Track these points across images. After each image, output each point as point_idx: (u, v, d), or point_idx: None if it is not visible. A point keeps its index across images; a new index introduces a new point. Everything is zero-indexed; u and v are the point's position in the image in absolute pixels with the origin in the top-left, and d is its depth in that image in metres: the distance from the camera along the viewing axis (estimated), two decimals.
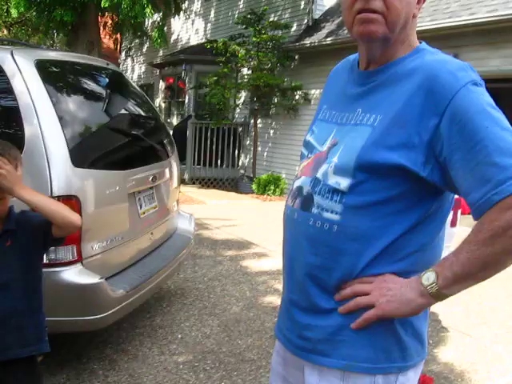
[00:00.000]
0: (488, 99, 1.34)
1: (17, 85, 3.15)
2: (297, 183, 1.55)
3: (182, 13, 14.85)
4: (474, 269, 1.31)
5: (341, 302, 1.44)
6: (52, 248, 3.00)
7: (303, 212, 1.49)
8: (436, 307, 4.83)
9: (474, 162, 1.28)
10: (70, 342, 3.91)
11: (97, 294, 3.19)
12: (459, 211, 3.78)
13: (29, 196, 2.06)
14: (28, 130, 3.05)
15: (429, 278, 1.34)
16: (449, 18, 8.71)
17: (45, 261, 3.00)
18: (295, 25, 12.62)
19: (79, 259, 3.16)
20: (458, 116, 1.30)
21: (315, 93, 11.36)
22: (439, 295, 1.35)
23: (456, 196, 1.45)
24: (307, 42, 11.40)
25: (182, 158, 9.40)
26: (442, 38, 8.72)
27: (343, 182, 1.40)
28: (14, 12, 12.48)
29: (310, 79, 11.47)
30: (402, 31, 1.43)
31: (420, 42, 1.51)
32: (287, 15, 12.96)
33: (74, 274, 3.12)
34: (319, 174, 1.46)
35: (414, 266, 1.42)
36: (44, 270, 2.82)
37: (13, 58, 3.25)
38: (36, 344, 2.16)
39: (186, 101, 14.82)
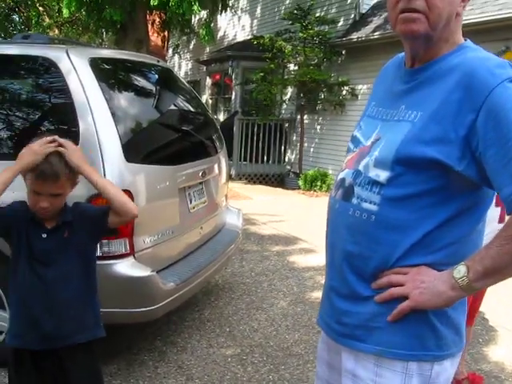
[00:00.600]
0: None
1: (72, 82, 3.24)
2: (340, 175, 1.62)
3: (228, 9, 14.90)
4: (503, 263, 1.33)
5: (377, 290, 1.49)
6: (105, 241, 3.09)
7: (344, 202, 1.55)
8: (484, 305, 4.75)
9: (507, 158, 1.30)
10: (121, 334, 4.00)
11: (148, 287, 3.25)
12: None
13: (96, 176, 2.15)
14: (83, 126, 3.13)
15: (460, 271, 1.37)
16: (499, 10, 8.51)
17: (98, 253, 3.10)
18: (342, 20, 12.52)
19: (131, 252, 3.22)
20: (494, 112, 1.32)
21: (362, 88, 11.25)
22: (470, 288, 1.38)
23: None
24: (354, 36, 11.30)
25: (228, 154, 9.46)
26: (492, 30, 8.54)
27: (382, 175, 1.45)
28: (65, 12, 12.75)
29: (357, 74, 11.37)
30: (445, 29, 1.46)
31: (465, 40, 1.53)
32: (334, 10, 12.87)
33: (126, 267, 3.19)
34: (361, 167, 1.52)
35: (450, 258, 1.44)
36: (98, 262, 2.92)
37: (68, 56, 3.34)
38: (93, 330, 2.24)
39: (233, 97, 14.87)
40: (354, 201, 1.51)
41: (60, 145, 2.07)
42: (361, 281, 1.51)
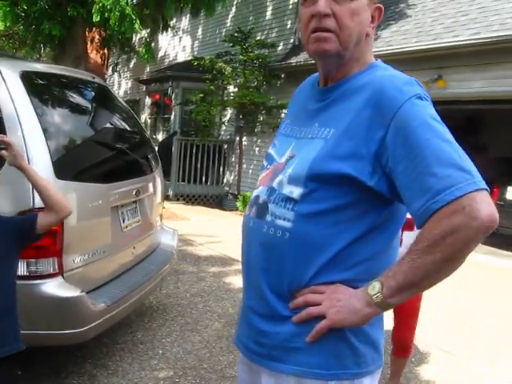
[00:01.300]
0: (431, 112, 1.39)
1: (1, 95, 3.14)
2: (255, 193, 1.63)
3: (169, 29, 14.90)
4: (416, 277, 1.35)
5: (295, 310, 1.48)
6: (32, 260, 2.99)
7: (258, 220, 1.55)
8: (419, 326, 4.85)
9: (416, 173, 1.33)
10: (48, 357, 3.86)
11: (77, 308, 3.15)
12: (405, 232, 3.77)
13: (33, 171, 2.17)
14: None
15: (374, 287, 1.38)
16: (433, 40, 8.84)
17: (25, 273, 3.00)
18: (281, 44, 12.74)
19: (60, 272, 3.13)
20: (402, 128, 1.36)
21: None
22: (385, 304, 1.39)
23: (408, 215, 1.46)
24: (293, 61, 11.50)
25: (166, 174, 9.39)
26: (427, 58, 8.88)
27: (296, 191, 1.46)
28: (0, 25, 12.45)
29: None
30: (356, 49, 1.50)
31: (376, 59, 1.58)
32: (274, 34, 13.08)
33: (54, 287, 3.08)
34: (275, 184, 1.53)
35: (365, 274, 1.46)
36: (24, 282, 2.83)
37: None
38: (14, 343, 2.17)
39: (172, 117, 14.83)
40: (268, 218, 1.51)
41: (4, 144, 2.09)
42: (279, 300, 1.50)
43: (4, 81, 3.18)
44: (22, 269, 3.04)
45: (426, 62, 8.91)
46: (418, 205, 1.33)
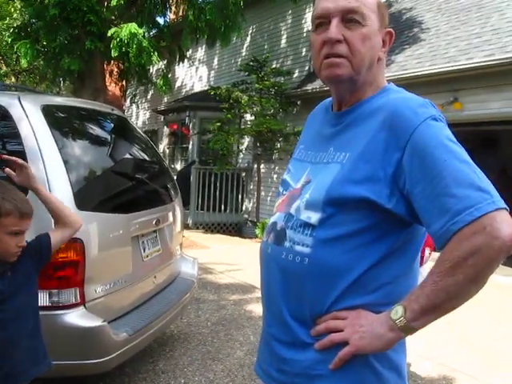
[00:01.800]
0: (447, 133, 1.39)
1: (23, 129, 3.21)
2: (272, 219, 1.62)
3: (186, 60, 15.12)
4: (439, 300, 1.33)
5: (317, 336, 1.47)
6: (55, 291, 3.01)
7: (276, 246, 1.55)
8: (442, 349, 4.78)
9: (434, 194, 1.32)
10: None
11: (99, 337, 3.16)
12: (426, 249, 3.69)
13: (44, 191, 2.25)
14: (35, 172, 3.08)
15: (397, 311, 1.37)
16: (447, 63, 8.87)
17: (47, 303, 3.03)
18: (297, 71, 12.86)
19: (82, 302, 3.14)
20: (418, 150, 1.36)
21: None
22: (408, 328, 1.37)
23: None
24: (309, 88, 11.58)
25: (185, 203, 9.43)
26: (442, 81, 8.89)
27: (314, 216, 1.46)
28: (23, 62, 12.75)
29: None
30: (368, 73, 1.52)
31: (388, 83, 1.59)
32: (289, 62, 13.22)
33: (76, 317, 3.10)
34: (292, 210, 1.53)
35: (387, 298, 1.45)
36: (47, 312, 2.85)
37: (20, 102, 3.32)
38: (44, 360, 2.24)
39: (190, 146, 14.96)
40: (287, 244, 1.51)
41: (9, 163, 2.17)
42: (301, 326, 1.49)
43: (26, 115, 3.25)
44: (44, 299, 3.07)
45: (441, 84, 8.92)
46: (437, 226, 1.32)
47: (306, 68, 12.62)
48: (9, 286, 2.09)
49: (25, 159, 3.11)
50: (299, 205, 1.51)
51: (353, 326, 1.42)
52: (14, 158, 2.20)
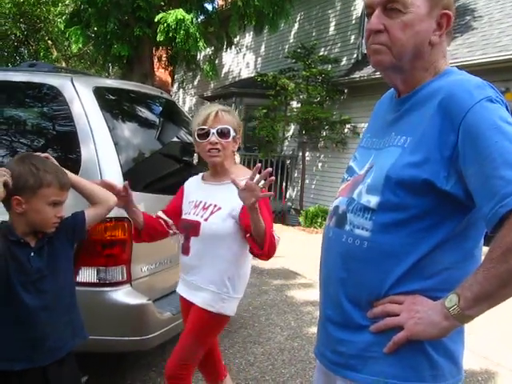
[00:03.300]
0: (502, 114, 1.37)
1: (76, 110, 3.28)
2: (334, 203, 1.64)
3: (233, 46, 15.15)
4: (491, 287, 1.31)
5: (373, 319, 1.48)
6: (102, 268, 3.08)
7: (337, 229, 1.57)
8: (485, 343, 4.71)
9: (484, 176, 1.31)
10: (115, 364, 3.96)
11: (144, 315, 3.23)
12: None
13: (73, 176, 2.29)
14: (85, 153, 3.16)
15: (451, 300, 1.36)
16: (499, 52, 8.65)
17: (95, 280, 3.11)
18: (345, 59, 12.73)
19: (128, 280, 3.22)
20: (471, 131, 1.35)
21: (364, 126, 11.33)
22: (462, 317, 1.36)
23: None
24: (356, 75, 11.47)
25: None
26: (494, 71, 8.68)
27: (373, 200, 1.47)
28: (74, 47, 13.01)
29: (359, 113, 11.49)
30: (418, 60, 1.51)
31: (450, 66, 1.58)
32: (337, 49, 13.09)
33: (122, 295, 3.17)
34: (355, 195, 1.54)
35: (445, 284, 1.44)
36: (94, 289, 2.93)
37: (72, 84, 3.40)
38: (80, 333, 2.29)
39: None
40: (347, 227, 1.52)
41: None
42: (357, 309, 1.50)
43: (78, 96, 3.32)
44: (91, 276, 3.15)
45: (492, 74, 8.67)
46: (486, 209, 1.31)
47: (354, 56, 12.48)
48: (47, 262, 2.15)
49: (76, 140, 3.21)
50: (361, 189, 1.52)
51: (409, 312, 1.42)
52: (42, 154, 2.26)
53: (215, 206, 2.64)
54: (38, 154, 2.24)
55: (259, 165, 2.32)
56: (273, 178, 2.33)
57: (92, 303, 2.85)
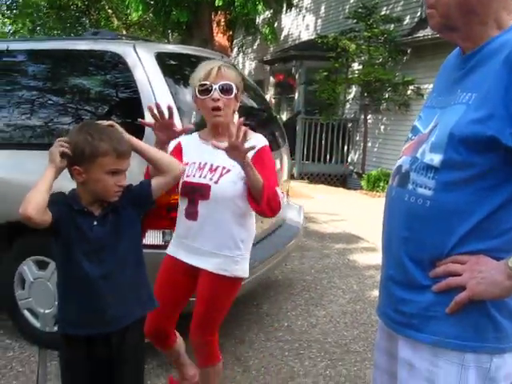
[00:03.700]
0: None
1: (138, 76, 3.33)
2: (397, 163, 1.63)
3: (292, 8, 14.94)
4: None
5: (435, 279, 1.47)
6: (167, 230, 3.15)
7: (400, 188, 1.56)
8: None
9: None
10: (180, 324, 4.07)
11: None
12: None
13: (136, 141, 2.20)
14: (148, 118, 3.20)
15: None
16: None
17: (161, 242, 3.19)
18: (407, 18, 12.35)
19: None
20: None
21: (428, 87, 11.03)
22: None
23: None
24: (420, 34, 11.11)
25: (291, 154, 9.50)
26: None
27: (436, 158, 1.45)
28: (134, 15, 13.14)
29: (423, 73, 11.17)
30: (468, 14, 1.46)
31: None
32: (399, 8, 12.70)
33: None
34: (418, 154, 1.52)
35: (509, 244, 1.41)
36: (159, 251, 3.00)
37: (135, 51, 3.45)
38: (149, 302, 2.28)
39: (296, 97, 14.88)
40: (410, 186, 1.51)
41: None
42: (419, 269, 1.50)
43: (141, 62, 3.37)
44: (157, 238, 3.24)
45: None
46: None
47: (418, 14, 12.08)
48: (110, 231, 2.12)
49: (139, 105, 3.26)
50: (425, 148, 1.50)
51: (471, 272, 1.41)
52: (106, 122, 2.18)
53: (224, 167, 2.54)
54: (101, 121, 2.19)
55: (241, 119, 2.31)
56: (245, 128, 2.30)
57: (158, 265, 2.92)
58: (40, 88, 3.87)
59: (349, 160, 13.64)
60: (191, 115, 3.55)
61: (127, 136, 2.16)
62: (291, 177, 5.31)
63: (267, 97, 17.10)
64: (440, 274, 1.46)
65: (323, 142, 13.13)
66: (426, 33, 10.80)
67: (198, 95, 2.56)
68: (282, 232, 4.59)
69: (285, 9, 13.83)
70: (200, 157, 2.63)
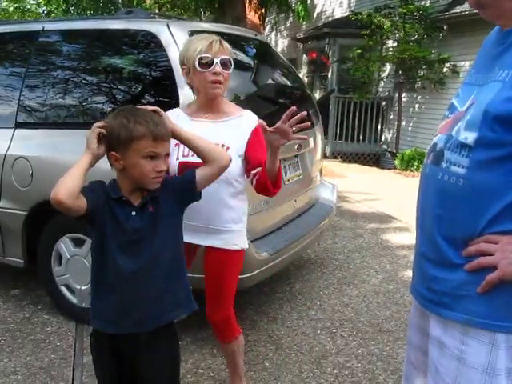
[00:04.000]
0: None
1: (172, 55, 3.33)
2: (433, 140, 1.62)
3: None
4: None
5: (467, 257, 1.46)
6: None
7: (434, 166, 1.55)
8: None
9: None
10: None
11: (244, 255, 3.31)
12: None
13: (179, 130, 2.10)
14: (182, 97, 3.21)
15: None
16: None
17: None
18: None
19: None
20: None
21: (464, 65, 10.81)
22: None
23: None
24: (457, 10, 10.85)
25: (324, 133, 9.45)
26: None
27: (470, 136, 1.42)
28: None
29: (460, 50, 10.93)
30: None
31: None
32: None
33: None
34: (454, 132, 1.50)
35: None
36: None
37: (169, 29, 3.46)
38: (187, 305, 2.16)
39: (329, 75, 14.73)
40: (444, 165, 1.50)
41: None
42: (452, 247, 1.49)
43: (175, 40, 3.37)
44: None
45: None
46: None
47: None
48: (148, 223, 1.99)
49: (174, 84, 3.27)
50: (460, 126, 1.48)
51: (503, 252, 1.39)
52: (150, 107, 2.08)
53: (223, 145, 2.46)
54: (145, 107, 2.09)
55: (294, 108, 2.26)
56: (308, 123, 2.30)
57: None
58: (75, 68, 3.90)
59: (382, 139, 13.49)
60: (225, 93, 3.54)
61: (171, 124, 2.07)
62: (324, 156, 5.28)
63: (300, 75, 16.98)
64: (472, 252, 1.44)
65: (356, 120, 13.00)
66: (463, 8, 10.54)
67: (198, 68, 2.47)
68: (315, 211, 4.59)
69: None
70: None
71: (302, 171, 4.25)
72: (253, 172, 2.53)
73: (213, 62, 2.47)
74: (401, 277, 4.99)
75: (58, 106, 3.83)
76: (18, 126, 3.88)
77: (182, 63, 2.56)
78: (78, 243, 3.73)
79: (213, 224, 2.61)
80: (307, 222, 4.27)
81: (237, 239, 2.68)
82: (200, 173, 2.09)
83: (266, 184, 2.52)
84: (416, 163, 11.27)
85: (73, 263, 3.75)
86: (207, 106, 2.60)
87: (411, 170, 11.32)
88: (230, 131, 2.55)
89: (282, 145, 2.38)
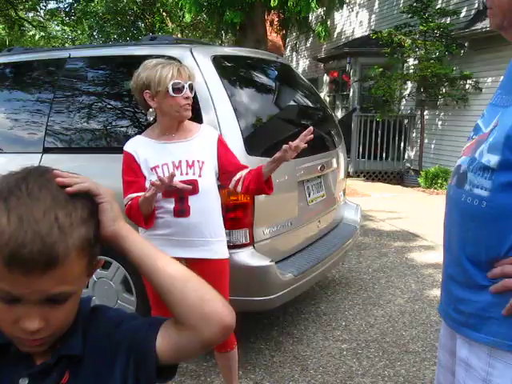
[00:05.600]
0: None
1: (196, 78, 3.38)
2: (457, 162, 1.61)
3: (345, 5, 14.82)
4: None
5: (493, 279, 1.44)
6: (226, 231, 2.95)
7: (457, 188, 1.55)
8: None
9: None
10: (238, 323, 4.12)
11: (267, 276, 3.33)
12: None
13: (135, 239, 1.09)
14: (206, 121, 3.26)
15: None
16: None
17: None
18: (464, 10, 12.06)
19: (251, 242, 3.32)
20: None
21: (487, 81, 10.76)
22: None
23: None
24: (478, 27, 10.82)
25: (347, 151, 9.46)
26: None
27: (493, 159, 1.41)
28: (187, 16, 13.34)
29: (482, 67, 10.89)
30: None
31: None
32: (455, 0, 12.42)
33: (246, 256, 3.29)
34: (477, 154, 1.49)
35: None
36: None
37: (192, 54, 3.51)
38: None
39: (351, 94, 14.77)
40: (467, 187, 1.50)
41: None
42: (477, 269, 1.48)
43: (198, 65, 3.43)
44: None
45: None
46: None
47: (475, 6, 11.77)
48: None
49: (198, 108, 3.32)
50: (483, 148, 1.48)
51: None
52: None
53: (198, 161, 2.64)
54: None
55: (311, 128, 2.47)
56: (311, 136, 2.52)
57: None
58: (100, 93, 3.99)
59: (405, 157, 13.43)
60: (249, 117, 3.59)
61: (123, 223, 1.08)
62: (347, 175, 5.30)
63: (322, 95, 17.04)
64: (497, 274, 1.43)
65: (379, 138, 12.97)
66: (484, 25, 10.52)
67: (172, 93, 2.56)
68: (339, 231, 4.59)
69: (337, 6, 13.71)
70: (167, 157, 2.64)
71: (325, 191, 4.27)
72: (234, 178, 2.70)
73: (183, 87, 2.59)
74: (426, 296, 4.95)
75: (85, 131, 3.90)
76: (46, 150, 3.95)
77: (147, 87, 2.62)
78: (104, 266, 3.77)
79: (202, 237, 2.70)
80: (331, 243, 4.28)
81: (224, 248, 2.80)
82: (166, 338, 1.06)
83: (261, 187, 2.69)
84: (440, 181, 11.19)
85: (99, 285, 3.80)
86: (173, 127, 2.69)
87: (435, 188, 11.24)
88: (200, 147, 2.69)
89: (284, 158, 2.58)
